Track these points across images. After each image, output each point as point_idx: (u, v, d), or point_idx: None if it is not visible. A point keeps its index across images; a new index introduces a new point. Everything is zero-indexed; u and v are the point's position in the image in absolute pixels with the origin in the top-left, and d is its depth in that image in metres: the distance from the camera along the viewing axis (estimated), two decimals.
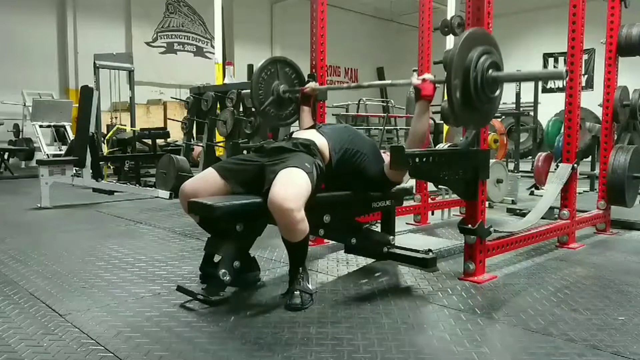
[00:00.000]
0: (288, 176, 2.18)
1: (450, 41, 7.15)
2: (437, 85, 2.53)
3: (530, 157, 9.45)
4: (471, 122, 2.38)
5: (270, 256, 3.01)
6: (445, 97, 2.21)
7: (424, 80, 2.50)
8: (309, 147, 2.44)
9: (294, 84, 3.13)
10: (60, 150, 8.50)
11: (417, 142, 2.54)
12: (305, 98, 3.04)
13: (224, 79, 7.57)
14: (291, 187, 2.13)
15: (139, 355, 1.71)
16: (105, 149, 7.63)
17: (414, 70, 3.91)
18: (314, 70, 3.29)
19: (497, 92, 2.31)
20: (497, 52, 2.29)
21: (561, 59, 13.61)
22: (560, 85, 13.73)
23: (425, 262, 2.55)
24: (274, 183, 2.15)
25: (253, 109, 3.06)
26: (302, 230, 2.13)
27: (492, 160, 3.45)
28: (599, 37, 3.80)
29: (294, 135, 2.63)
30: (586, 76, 12.67)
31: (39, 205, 4.87)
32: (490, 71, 2.21)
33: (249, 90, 3.04)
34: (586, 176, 6.12)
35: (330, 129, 2.65)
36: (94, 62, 8.42)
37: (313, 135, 2.55)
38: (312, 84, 3.05)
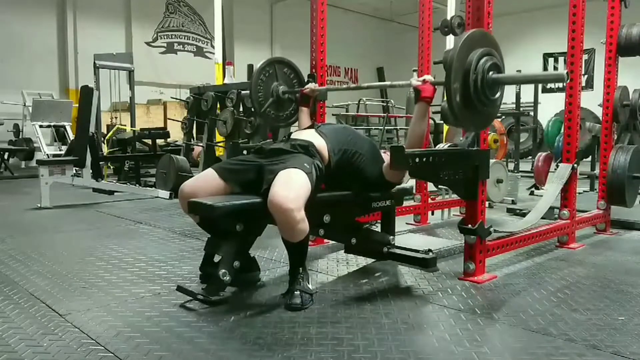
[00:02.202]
0: (287, 176, 2.18)
1: (450, 41, 7.15)
2: (436, 86, 2.53)
3: (530, 157, 9.45)
4: (472, 125, 2.38)
5: (270, 256, 3.01)
6: (445, 98, 2.20)
7: (424, 81, 2.51)
8: (307, 148, 2.44)
9: (293, 84, 3.13)
10: (60, 150, 8.50)
11: (416, 144, 2.53)
12: (305, 99, 3.04)
13: (224, 79, 7.57)
14: (291, 187, 2.13)
15: (139, 355, 1.71)
16: (105, 149, 7.63)
17: (414, 70, 3.91)
18: (314, 70, 3.29)
19: (498, 94, 2.30)
20: (498, 53, 2.29)
21: (561, 59, 13.61)
22: (560, 86, 13.73)
23: (425, 262, 2.55)
24: (274, 183, 2.15)
25: (253, 110, 3.06)
26: (302, 230, 2.13)
27: (492, 160, 3.45)
28: (599, 37, 3.80)
29: (292, 136, 2.62)
30: (586, 76, 12.66)
31: (39, 205, 4.87)
32: (490, 73, 2.20)
33: (248, 92, 3.04)
34: (586, 176, 6.11)
35: (329, 129, 2.65)
36: (94, 62, 8.42)
37: (311, 136, 2.55)
38: (311, 85, 3.05)
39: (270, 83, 3.04)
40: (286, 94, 3.06)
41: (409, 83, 2.59)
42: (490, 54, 2.24)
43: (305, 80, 3.15)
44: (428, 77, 2.54)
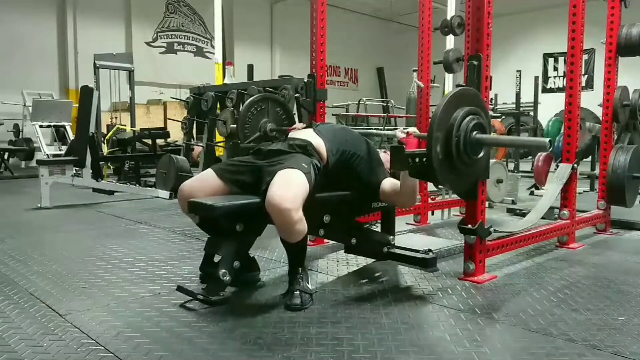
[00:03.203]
0: (285, 177, 2.18)
1: (450, 41, 7.15)
2: (421, 139, 2.54)
3: (530, 157, 9.46)
4: (453, 186, 2.37)
5: (270, 256, 3.01)
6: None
7: (408, 134, 2.53)
8: (305, 148, 2.44)
9: (283, 122, 3.12)
10: (60, 150, 8.50)
11: (410, 198, 2.51)
12: None
13: (224, 79, 7.56)
14: (289, 187, 2.13)
15: (139, 355, 1.71)
16: (105, 149, 7.63)
17: (414, 71, 3.91)
18: (314, 70, 3.29)
19: (482, 154, 2.29)
20: (485, 113, 2.30)
21: (561, 59, 13.61)
22: (560, 85, 13.75)
23: (425, 262, 2.55)
24: (272, 184, 2.15)
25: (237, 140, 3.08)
26: (300, 231, 2.13)
27: (492, 160, 3.45)
28: (599, 37, 3.80)
29: (290, 136, 2.62)
30: (586, 76, 12.67)
31: (39, 205, 4.87)
32: (474, 133, 2.20)
33: (235, 126, 3.08)
34: (586, 176, 6.12)
35: (327, 130, 2.64)
36: (94, 62, 8.42)
37: (310, 136, 2.54)
38: (298, 125, 3.00)
39: (260, 118, 3.05)
40: (274, 132, 3.06)
41: (393, 134, 2.62)
42: (477, 113, 2.24)
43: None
44: (412, 129, 2.57)
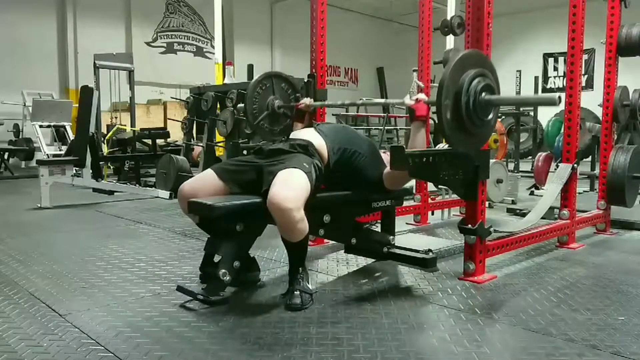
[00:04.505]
0: (287, 176, 2.18)
1: (450, 41, 7.15)
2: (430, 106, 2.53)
3: (530, 157, 9.45)
4: (464, 146, 2.37)
5: (270, 256, 3.01)
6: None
7: (417, 100, 2.50)
8: (306, 148, 2.44)
9: (290, 100, 3.11)
10: (60, 150, 8.50)
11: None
12: (300, 114, 3.00)
13: (224, 79, 7.57)
14: (290, 187, 2.13)
15: (139, 355, 1.71)
16: (105, 149, 7.63)
17: (414, 70, 3.91)
18: (314, 70, 3.29)
19: (491, 116, 2.30)
20: (493, 75, 2.29)
21: (561, 59, 13.61)
22: (560, 85, 13.74)
23: (425, 262, 2.55)
24: (273, 183, 2.15)
25: (247, 122, 3.05)
26: (301, 230, 2.14)
27: (492, 160, 3.45)
28: (599, 37, 3.80)
29: (291, 136, 2.62)
30: (586, 76, 12.67)
31: (39, 205, 4.87)
32: (483, 94, 2.20)
33: (243, 105, 3.04)
34: (586, 176, 6.11)
35: (328, 129, 2.64)
36: (94, 62, 8.42)
37: (311, 136, 2.55)
38: (306, 100, 3.00)
39: (267, 96, 3.03)
40: (281, 109, 3.05)
41: (402, 101, 2.60)
42: (484, 74, 2.23)
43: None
44: (421, 96, 2.54)
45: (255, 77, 3.08)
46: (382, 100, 3.11)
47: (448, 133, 2.17)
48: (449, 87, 2.14)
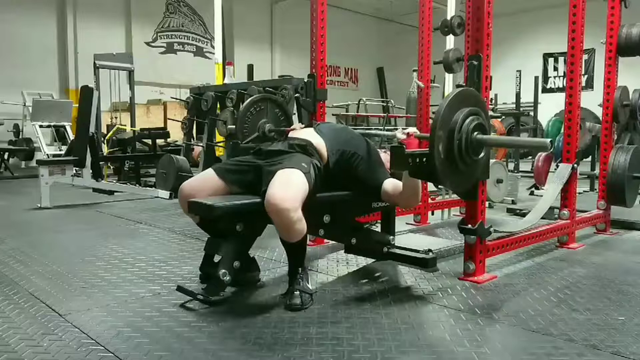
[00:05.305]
0: (285, 177, 2.18)
1: (450, 41, 7.15)
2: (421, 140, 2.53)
3: (530, 157, 9.46)
4: (452, 184, 2.36)
5: (270, 256, 3.01)
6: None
7: (408, 135, 2.51)
8: (305, 148, 2.44)
9: (281, 125, 3.12)
10: (60, 150, 8.50)
11: (412, 199, 2.51)
12: None
13: (224, 79, 7.56)
14: (288, 187, 2.13)
15: (139, 355, 1.71)
16: (105, 149, 7.63)
17: (414, 71, 3.91)
18: (314, 70, 3.29)
19: (482, 155, 2.30)
20: (484, 113, 2.30)
21: (561, 59, 13.62)
22: (560, 85, 13.75)
23: (425, 262, 2.55)
24: (271, 184, 2.15)
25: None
26: (299, 231, 2.13)
27: (492, 160, 3.45)
28: (599, 37, 3.80)
29: (290, 135, 2.62)
30: (586, 76, 12.67)
31: (39, 205, 4.87)
32: (475, 133, 2.21)
33: (233, 127, 3.07)
34: (586, 176, 6.12)
35: (328, 129, 2.64)
36: (94, 62, 8.42)
37: (310, 135, 2.54)
38: (297, 126, 2.98)
39: (259, 119, 3.04)
40: (272, 132, 3.06)
41: (393, 135, 2.60)
42: (477, 113, 2.24)
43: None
44: (412, 130, 2.55)
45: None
46: (374, 132, 3.14)
47: (440, 172, 2.17)
48: (443, 124, 2.15)
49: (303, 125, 3.05)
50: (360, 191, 2.57)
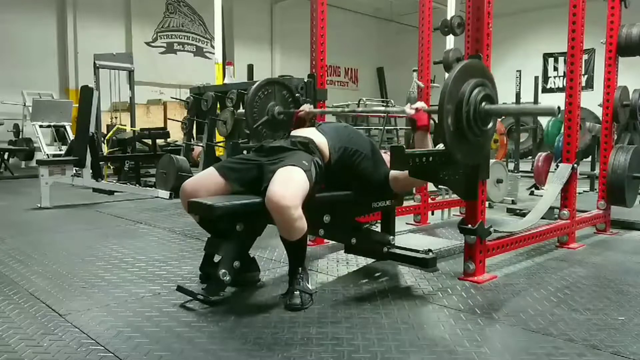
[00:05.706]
0: (286, 174, 2.18)
1: (450, 41, 7.15)
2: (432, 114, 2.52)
3: (530, 157, 9.45)
4: (463, 155, 2.37)
5: (270, 256, 3.01)
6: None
7: (417, 110, 2.49)
8: (307, 146, 2.44)
9: (290, 107, 3.11)
10: (60, 150, 8.50)
11: None
12: (300, 121, 2.95)
13: (224, 79, 7.57)
14: (288, 185, 2.13)
15: (139, 355, 1.71)
16: (105, 149, 7.63)
17: (414, 70, 3.91)
18: (314, 70, 3.29)
19: (490, 125, 2.31)
20: (492, 84, 2.30)
21: (561, 59, 13.61)
22: (560, 85, 13.75)
23: (425, 262, 2.55)
24: (272, 181, 2.15)
25: (246, 126, 3.06)
26: (300, 229, 2.13)
27: (492, 160, 3.45)
28: (599, 37, 3.80)
29: (292, 133, 2.62)
30: (586, 76, 12.66)
31: (39, 205, 4.87)
32: (483, 104, 2.21)
33: (243, 111, 3.04)
34: (586, 176, 6.12)
35: (330, 127, 2.64)
36: (94, 62, 8.42)
37: (312, 133, 2.54)
38: (306, 107, 2.97)
39: (267, 102, 3.03)
40: (281, 115, 3.05)
41: (402, 109, 2.59)
42: (484, 84, 2.24)
43: (301, 101, 3.12)
44: (421, 104, 2.52)
45: (256, 78, 3.09)
46: (382, 108, 3.12)
47: (448, 141, 2.18)
48: (451, 97, 2.15)
49: (311, 106, 3.05)
50: (362, 189, 2.57)
